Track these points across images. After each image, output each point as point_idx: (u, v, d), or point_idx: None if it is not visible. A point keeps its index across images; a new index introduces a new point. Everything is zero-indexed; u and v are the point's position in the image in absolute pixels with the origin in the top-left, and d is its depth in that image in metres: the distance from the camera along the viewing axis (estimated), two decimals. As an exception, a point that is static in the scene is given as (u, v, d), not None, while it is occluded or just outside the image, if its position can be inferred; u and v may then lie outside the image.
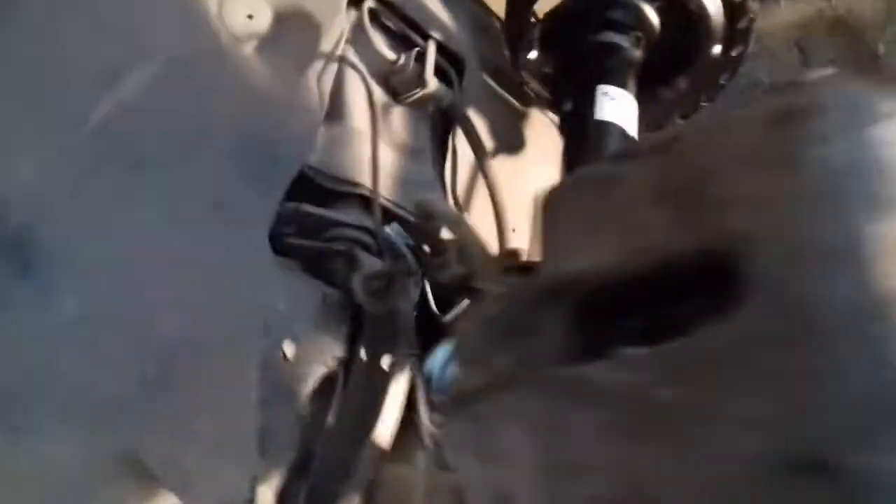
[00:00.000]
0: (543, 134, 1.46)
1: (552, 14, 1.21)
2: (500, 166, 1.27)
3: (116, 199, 0.84)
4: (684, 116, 1.36)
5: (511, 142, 1.38)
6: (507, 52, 1.29)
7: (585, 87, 1.13)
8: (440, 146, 1.26)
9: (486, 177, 1.22)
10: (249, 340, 0.89)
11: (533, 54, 1.13)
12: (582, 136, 1.11)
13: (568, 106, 1.15)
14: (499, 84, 1.38)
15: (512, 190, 1.25)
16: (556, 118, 1.47)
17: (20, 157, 0.78)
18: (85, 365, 0.79)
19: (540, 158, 1.45)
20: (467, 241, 0.88)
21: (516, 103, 1.41)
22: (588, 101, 1.12)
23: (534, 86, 1.18)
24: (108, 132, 0.84)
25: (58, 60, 0.82)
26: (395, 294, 0.99)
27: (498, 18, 1.50)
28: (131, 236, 0.84)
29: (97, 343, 0.80)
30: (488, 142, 1.30)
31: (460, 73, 1.27)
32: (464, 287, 1.00)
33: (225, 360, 0.87)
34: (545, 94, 1.20)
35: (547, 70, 1.18)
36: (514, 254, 0.99)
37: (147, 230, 0.85)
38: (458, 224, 0.88)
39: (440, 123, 1.27)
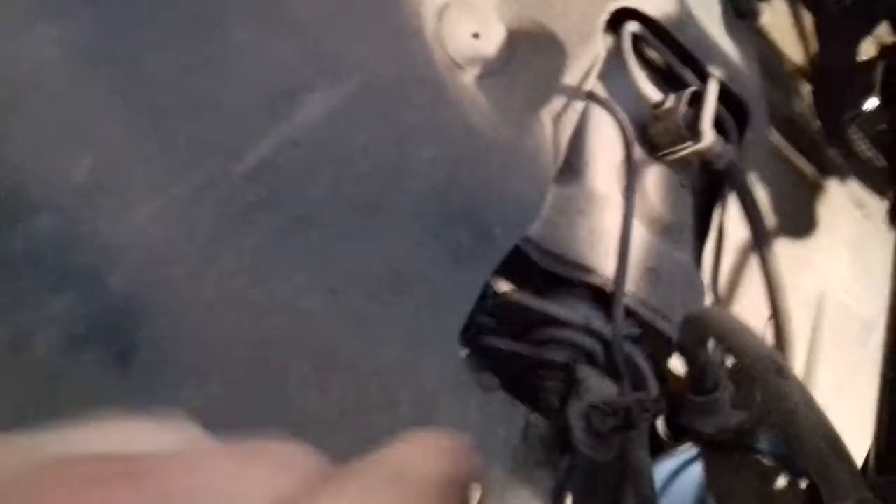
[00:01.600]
0: (842, 213, 1.08)
1: (892, 49, 0.85)
2: (781, 253, 0.92)
3: (265, 264, 0.61)
4: None
5: (798, 222, 1.03)
6: (814, 102, 0.94)
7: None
8: (702, 222, 0.94)
9: (765, 267, 0.88)
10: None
11: (872, 103, 0.78)
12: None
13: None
14: (790, 143, 1.03)
15: (794, 286, 0.90)
16: (862, 194, 1.09)
17: (142, 195, 0.57)
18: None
19: (833, 246, 1.07)
20: (753, 374, 0.55)
21: (811, 170, 1.05)
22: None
23: (862, 148, 0.82)
24: (270, 172, 0.62)
25: (215, 74, 0.62)
26: (631, 439, 0.68)
27: (786, 59, 1.15)
28: (276, 317, 0.61)
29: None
30: (770, 220, 0.95)
31: (742, 126, 0.94)
32: (734, 444, 0.67)
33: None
34: (878, 158, 0.83)
35: (883, 127, 0.82)
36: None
37: (299, 311, 0.62)
38: (744, 347, 0.55)
39: (706, 191, 0.95)
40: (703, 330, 0.57)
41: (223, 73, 0.62)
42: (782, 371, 0.49)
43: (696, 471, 1.34)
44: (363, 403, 0.62)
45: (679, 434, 0.95)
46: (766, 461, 0.73)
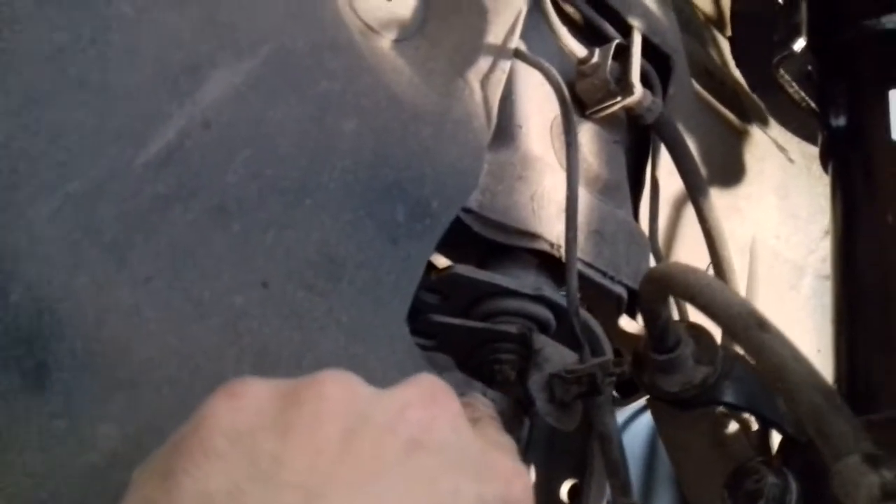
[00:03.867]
0: (767, 159, 1.08)
1: (809, -10, 0.84)
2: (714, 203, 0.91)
3: (184, 262, 0.55)
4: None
5: (727, 171, 1.02)
6: (732, 50, 0.93)
7: (870, 93, 0.76)
8: (635, 177, 0.92)
9: (703, 217, 0.86)
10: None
11: (800, 44, 0.76)
12: (869, 163, 0.74)
13: (840, 120, 0.78)
14: (710, 93, 1.03)
15: (727, 234, 0.89)
16: (784, 139, 1.10)
17: (32, 195, 0.50)
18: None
19: (761, 192, 1.07)
20: (732, 331, 0.53)
21: (735, 119, 1.04)
22: (876, 112, 0.75)
23: (792, 91, 0.81)
24: (179, 159, 0.56)
25: (106, 53, 0.54)
26: (596, 405, 0.65)
27: (697, 9, 1.15)
28: (205, 320, 0.55)
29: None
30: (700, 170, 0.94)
31: (665, 78, 0.92)
32: (699, 400, 0.64)
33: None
34: (805, 101, 0.83)
35: (808, 69, 0.81)
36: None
37: (229, 310, 0.56)
38: (718, 304, 0.52)
39: (635, 146, 0.93)
40: (667, 287, 0.54)
41: (108, 50, 0.55)
42: (764, 325, 0.47)
43: (645, 421, 1.35)
44: (311, 402, 0.56)
45: (628, 393, 0.94)
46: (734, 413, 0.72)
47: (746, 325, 0.47)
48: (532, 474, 0.74)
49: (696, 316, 0.67)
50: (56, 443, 0.48)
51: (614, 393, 0.88)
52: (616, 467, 0.63)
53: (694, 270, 0.52)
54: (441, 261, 0.72)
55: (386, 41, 0.71)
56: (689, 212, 0.91)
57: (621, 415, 1.12)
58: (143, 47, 0.56)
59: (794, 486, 0.59)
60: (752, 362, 0.49)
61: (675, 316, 0.87)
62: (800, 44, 0.76)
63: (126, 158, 0.54)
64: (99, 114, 0.53)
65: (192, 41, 0.59)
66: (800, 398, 0.43)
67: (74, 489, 0.48)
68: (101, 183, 0.52)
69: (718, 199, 0.97)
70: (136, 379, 0.52)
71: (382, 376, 0.60)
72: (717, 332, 0.69)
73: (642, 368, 0.65)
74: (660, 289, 0.55)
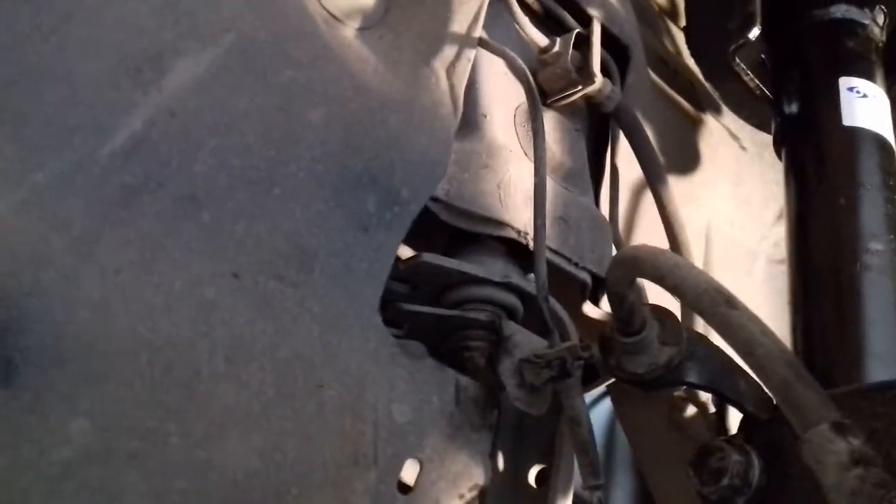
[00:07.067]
0: (721, 147, 1.11)
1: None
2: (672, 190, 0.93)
3: (153, 254, 0.54)
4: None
5: (683, 158, 1.04)
6: (687, 40, 0.95)
7: (821, 80, 0.79)
8: (595, 164, 0.93)
9: (661, 203, 0.88)
10: (353, 472, 0.58)
11: (754, 32, 0.79)
12: (822, 149, 0.76)
13: (793, 107, 0.81)
14: (665, 82, 1.05)
15: (685, 220, 0.91)
16: (737, 127, 1.13)
17: (0, 189, 0.48)
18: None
19: (715, 179, 1.10)
20: (700, 309, 0.54)
21: (689, 107, 1.06)
22: (827, 99, 0.78)
23: (747, 79, 0.84)
24: (143, 150, 0.55)
25: (68, 42, 0.53)
26: (566, 388, 0.66)
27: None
28: (176, 313, 0.54)
29: (119, 490, 0.50)
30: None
31: (623, 67, 0.94)
32: (665, 380, 0.66)
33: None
34: (760, 89, 0.85)
35: (762, 58, 0.83)
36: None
37: (200, 302, 0.55)
38: (686, 283, 0.54)
39: (595, 134, 0.94)
40: (636, 269, 0.55)
41: (69, 39, 0.54)
42: (732, 301, 0.48)
43: (604, 409, 1.37)
44: (286, 392, 0.56)
45: (586, 381, 0.95)
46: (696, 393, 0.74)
47: (715, 302, 0.48)
48: (500, 461, 0.75)
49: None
50: (27, 439, 0.47)
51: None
52: (585, 449, 0.64)
53: (662, 252, 0.54)
54: (405, 251, 0.72)
55: (349, 30, 0.71)
56: (648, 198, 0.93)
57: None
58: (106, 35, 0.55)
59: (756, 462, 0.61)
60: (722, 338, 0.50)
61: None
62: (754, 32, 0.78)
63: (91, 149, 0.52)
64: (63, 104, 0.52)
65: (155, 29, 0.58)
66: (769, 371, 0.44)
67: (47, 486, 0.47)
68: (67, 174, 0.51)
69: (675, 185, 0.99)
70: (107, 373, 0.51)
71: (357, 366, 0.60)
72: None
73: (609, 351, 0.67)
74: (628, 272, 0.56)
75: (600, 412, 1.36)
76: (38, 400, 0.48)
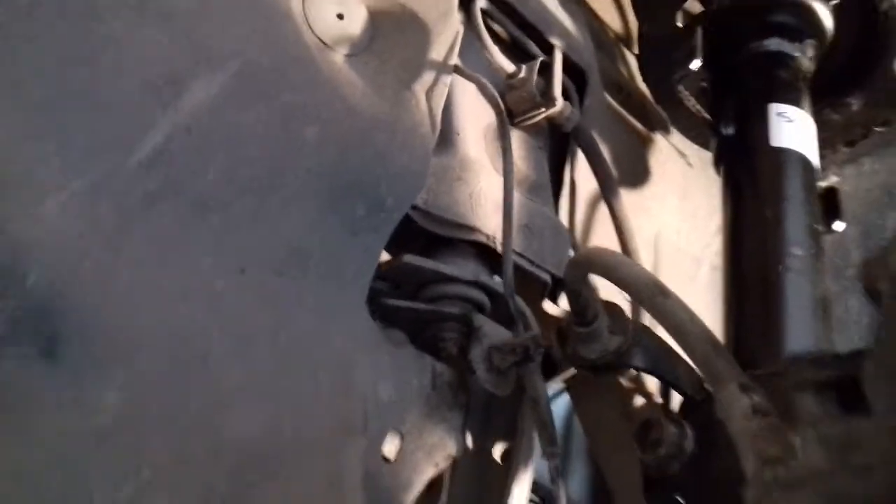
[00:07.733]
0: (669, 163, 1.22)
1: (703, 17, 0.98)
2: (623, 201, 1.04)
3: (171, 251, 0.62)
4: (849, 143, 1.12)
5: (635, 173, 1.15)
6: (640, 67, 1.06)
7: (754, 106, 0.90)
8: (555, 178, 1.03)
9: (614, 214, 0.99)
10: (345, 440, 0.67)
11: (696, 64, 0.90)
12: (753, 167, 0.87)
13: (729, 129, 0.92)
14: (619, 104, 1.15)
15: (635, 230, 1.02)
16: (684, 146, 1.24)
17: (44, 192, 0.57)
18: (130, 482, 0.57)
19: (664, 193, 1.21)
20: (639, 298, 0.64)
21: (641, 127, 1.17)
22: (758, 123, 0.89)
23: (690, 104, 0.95)
24: (163, 161, 0.63)
25: (100, 67, 0.61)
26: (528, 372, 0.76)
27: (608, 28, 1.28)
28: (191, 301, 0.62)
29: (146, 451, 0.58)
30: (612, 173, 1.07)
31: (581, 91, 1.04)
32: (614, 365, 0.76)
33: (314, 467, 0.65)
34: (701, 112, 0.96)
35: (704, 85, 0.95)
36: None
37: (211, 293, 0.63)
38: (629, 277, 0.64)
39: (555, 151, 1.05)
40: (588, 268, 0.65)
41: (104, 64, 0.62)
42: (665, 292, 0.58)
43: (561, 404, 1.47)
44: (286, 371, 0.65)
45: (550, 373, 1.05)
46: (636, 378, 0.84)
47: (652, 293, 0.58)
48: (469, 439, 0.85)
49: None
50: (69, 408, 0.55)
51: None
52: (545, 423, 0.74)
53: (611, 252, 0.64)
54: (383, 256, 0.81)
55: (339, 56, 0.80)
56: (602, 209, 1.03)
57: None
58: (131, 62, 0.64)
59: (689, 433, 0.71)
60: (657, 322, 0.60)
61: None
62: (696, 63, 0.89)
63: (120, 160, 0.61)
64: (97, 121, 0.60)
65: (173, 56, 0.66)
66: (693, 346, 0.55)
67: (87, 449, 0.55)
68: (100, 182, 0.60)
69: (627, 198, 1.10)
70: (133, 351, 0.59)
71: (347, 350, 0.69)
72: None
73: (566, 340, 0.77)
74: (583, 270, 0.66)
75: (558, 409, 1.46)
76: (77, 373, 0.56)
